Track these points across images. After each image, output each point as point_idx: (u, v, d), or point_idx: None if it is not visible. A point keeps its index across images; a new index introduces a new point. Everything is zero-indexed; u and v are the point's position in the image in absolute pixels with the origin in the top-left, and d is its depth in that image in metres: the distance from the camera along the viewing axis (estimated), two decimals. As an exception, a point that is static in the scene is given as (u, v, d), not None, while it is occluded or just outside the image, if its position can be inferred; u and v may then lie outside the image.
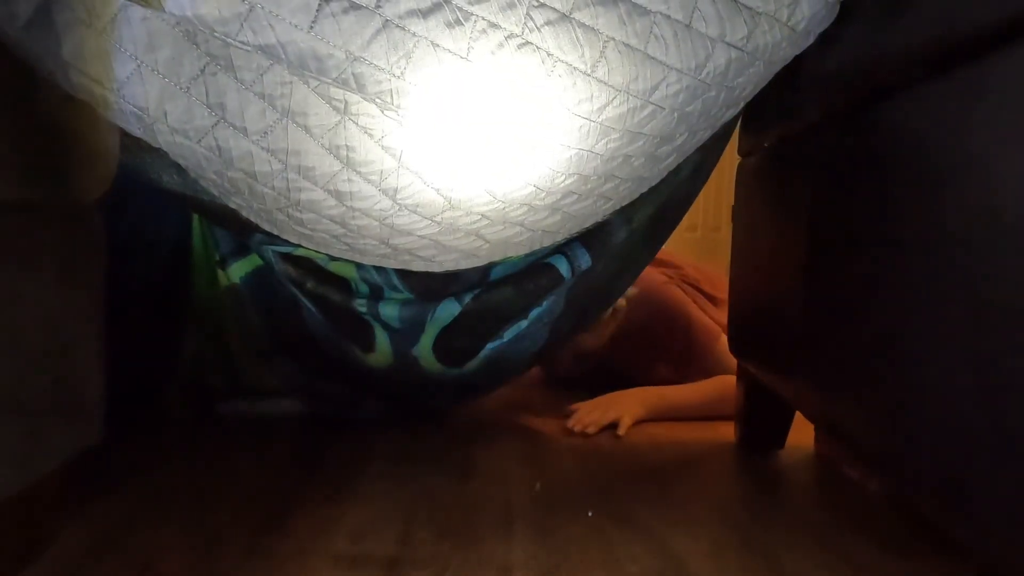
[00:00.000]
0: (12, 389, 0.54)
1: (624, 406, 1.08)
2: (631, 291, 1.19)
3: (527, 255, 0.87)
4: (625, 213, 0.83)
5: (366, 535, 0.66)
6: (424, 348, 0.94)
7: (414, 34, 0.51)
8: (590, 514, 0.75)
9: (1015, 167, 0.41)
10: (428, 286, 0.90)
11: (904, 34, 0.55)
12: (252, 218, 0.70)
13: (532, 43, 0.53)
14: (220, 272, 0.97)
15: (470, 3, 0.51)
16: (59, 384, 0.60)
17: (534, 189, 0.65)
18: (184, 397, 1.08)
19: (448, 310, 0.91)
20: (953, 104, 0.47)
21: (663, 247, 1.01)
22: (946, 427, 0.46)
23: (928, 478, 0.50)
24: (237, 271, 0.96)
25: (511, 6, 0.52)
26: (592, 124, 0.59)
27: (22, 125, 0.55)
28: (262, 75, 0.54)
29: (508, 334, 0.94)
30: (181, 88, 0.54)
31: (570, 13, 0.53)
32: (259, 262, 0.95)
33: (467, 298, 0.90)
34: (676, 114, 0.62)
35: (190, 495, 0.75)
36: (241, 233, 0.89)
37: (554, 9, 0.53)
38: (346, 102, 0.56)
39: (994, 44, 0.43)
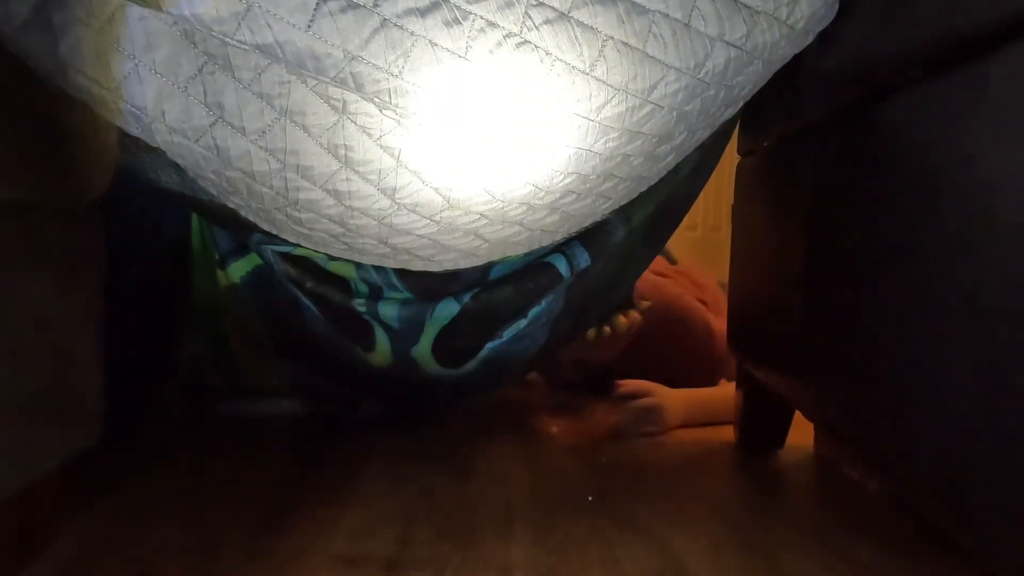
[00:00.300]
0: (10, 390, 0.54)
1: (669, 413, 1.04)
2: (645, 303, 1.18)
3: (526, 254, 0.87)
4: (624, 212, 0.83)
5: (365, 535, 0.66)
6: (423, 349, 0.94)
7: (412, 33, 0.51)
8: (591, 498, 0.75)
9: (1014, 167, 0.40)
10: (427, 286, 0.90)
11: (903, 33, 0.55)
12: (251, 217, 0.70)
13: (530, 42, 0.53)
14: (219, 272, 0.97)
15: (468, 2, 0.51)
16: (58, 385, 0.60)
17: (533, 188, 0.65)
18: (184, 397, 1.08)
19: (447, 310, 0.91)
20: (952, 104, 0.47)
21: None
22: (945, 427, 0.46)
23: (927, 478, 0.50)
24: (237, 271, 0.96)
25: (509, 5, 0.52)
26: (591, 123, 0.59)
27: (20, 125, 0.55)
28: (260, 74, 0.54)
29: (507, 334, 0.93)
30: (179, 87, 0.54)
31: (568, 12, 0.53)
32: (258, 261, 0.95)
33: (466, 297, 0.90)
34: (675, 113, 0.62)
35: (189, 495, 0.75)
36: (240, 233, 0.89)
37: (552, 8, 0.53)
38: (344, 101, 0.56)
39: (993, 44, 0.43)
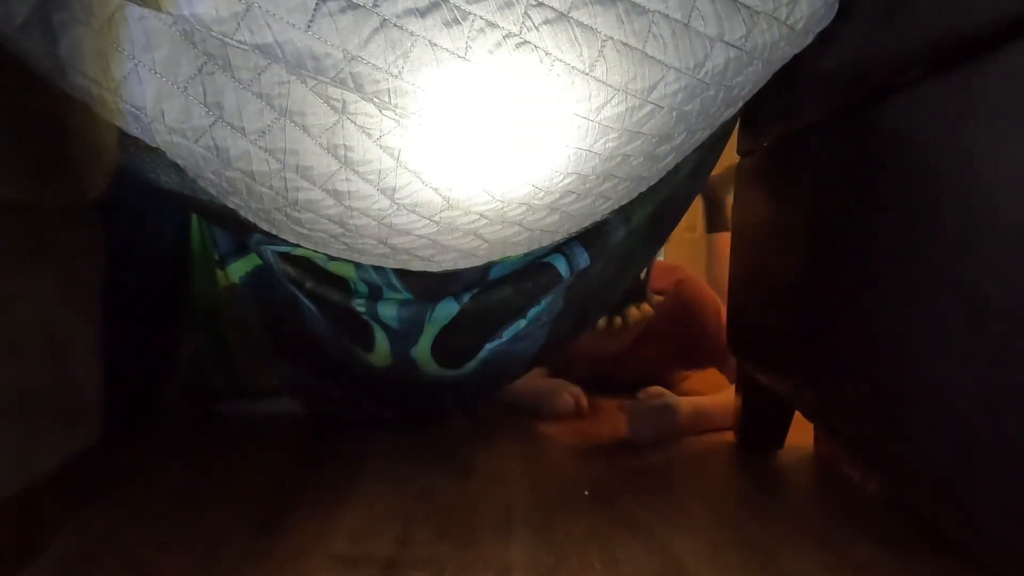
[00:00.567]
0: (10, 390, 0.54)
1: (682, 415, 1.02)
2: (657, 298, 1.18)
3: (526, 255, 0.87)
4: (624, 212, 0.83)
5: (365, 536, 0.66)
6: (423, 349, 0.94)
7: (412, 33, 0.51)
8: (586, 493, 0.75)
9: (1013, 167, 0.40)
10: (427, 286, 0.90)
11: (902, 34, 0.55)
12: (250, 218, 0.70)
13: (530, 42, 0.53)
14: (219, 272, 0.97)
15: (468, 2, 0.51)
16: (57, 385, 0.60)
17: (532, 188, 0.65)
18: (184, 397, 1.08)
19: (447, 310, 0.91)
20: (952, 104, 0.47)
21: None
22: (945, 426, 0.46)
23: (927, 478, 0.50)
24: (236, 271, 0.96)
25: (509, 5, 0.52)
26: (590, 123, 0.59)
27: (20, 126, 0.56)
28: (259, 74, 0.54)
29: (507, 334, 0.93)
30: (178, 87, 0.54)
31: (568, 12, 0.53)
32: (258, 262, 0.95)
33: (466, 298, 0.90)
34: (675, 113, 0.62)
35: (189, 496, 0.75)
36: (240, 233, 0.89)
37: (552, 8, 0.53)
38: (344, 101, 0.56)
39: (992, 44, 0.43)
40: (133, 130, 0.58)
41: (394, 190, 0.62)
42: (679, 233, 1.07)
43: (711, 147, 0.83)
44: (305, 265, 0.90)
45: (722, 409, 1.08)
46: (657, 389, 1.04)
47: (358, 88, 0.53)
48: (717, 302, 1.23)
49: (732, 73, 0.61)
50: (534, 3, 0.52)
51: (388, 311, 0.91)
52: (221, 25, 0.50)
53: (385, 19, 0.50)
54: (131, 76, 0.54)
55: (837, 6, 0.62)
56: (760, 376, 0.90)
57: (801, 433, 0.98)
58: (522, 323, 0.93)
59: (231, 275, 0.96)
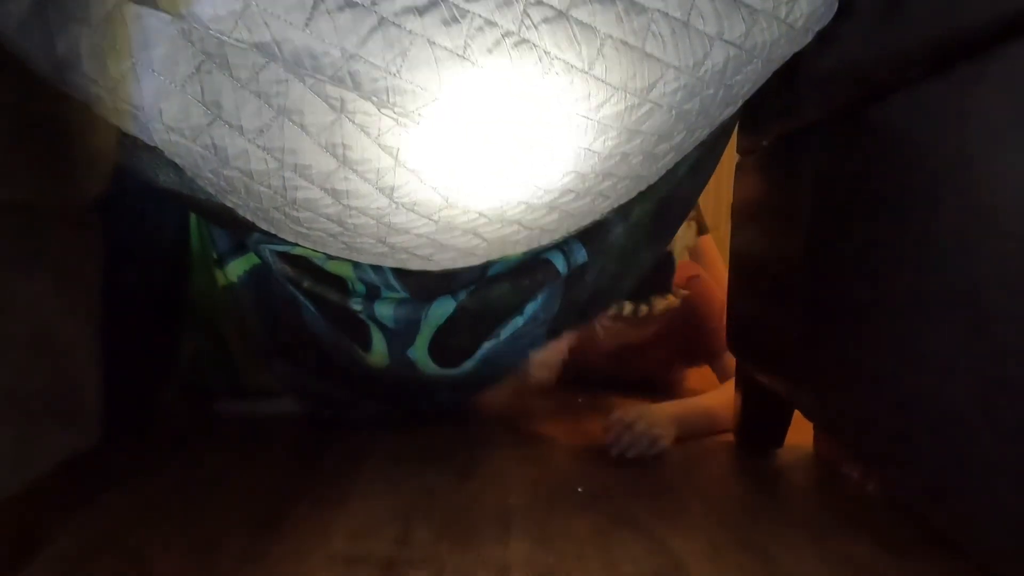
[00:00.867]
0: (9, 390, 0.54)
1: (662, 425, 0.98)
2: (683, 292, 1.18)
3: (525, 253, 0.87)
4: (622, 209, 0.83)
5: (364, 535, 0.66)
6: (420, 349, 0.93)
7: (410, 32, 0.51)
8: (580, 490, 0.75)
9: (1012, 166, 0.40)
10: (425, 286, 0.90)
11: (902, 33, 0.54)
12: (249, 217, 0.70)
13: (529, 40, 0.53)
14: (218, 271, 0.97)
15: (467, 0, 0.51)
16: (55, 385, 0.60)
17: (532, 188, 0.65)
18: (183, 397, 1.07)
19: (443, 307, 0.91)
20: (951, 103, 0.47)
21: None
22: (944, 426, 0.46)
23: (926, 478, 0.50)
24: (234, 270, 0.95)
25: (508, 3, 0.52)
26: (590, 122, 0.59)
27: (17, 125, 0.55)
28: (258, 73, 0.54)
29: (504, 333, 0.93)
30: (176, 86, 0.54)
31: (567, 11, 0.53)
32: (256, 261, 0.95)
33: (463, 295, 0.90)
34: (674, 112, 0.62)
35: (188, 496, 0.75)
36: (239, 232, 0.89)
37: (551, 7, 0.53)
38: (343, 100, 0.56)
39: (991, 43, 0.43)
40: (131, 129, 0.58)
41: (392, 189, 0.62)
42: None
43: (711, 145, 0.83)
44: (303, 264, 0.90)
45: (712, 413, 1.07)
46: (638, 412, 0.99)
47: (356, 86, 0.53)
48: (721, 301, 1.23)
49: (731, 72, 0.61)
50: (533, 1, 0.52)
51: (384, 310, 0.91)
52: (219, 23, 0.50)
53: (383, 17, 0.50)
54: (129, 75, 0.54)
55: (837, 5, 0.62)
56: (759, 376, 0.90)
57: (800, 432, 0.98)
58: (520, 321, 0.93)
59: (229, 274, 0.96)
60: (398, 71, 0.52)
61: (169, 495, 0.75)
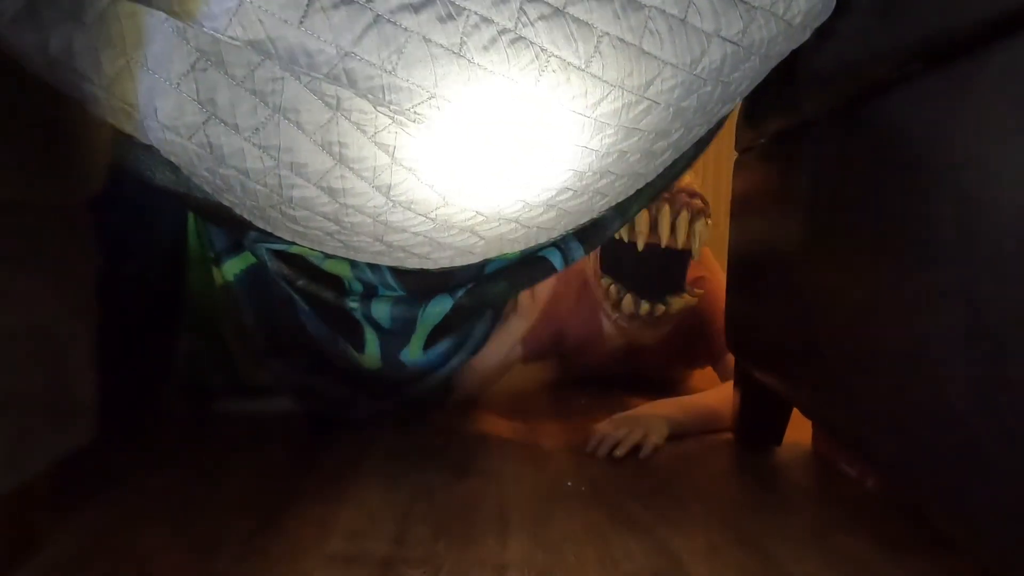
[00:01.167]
0: (3, 388, 0.54)
1: (651, 425, 0.97)
2: (698, 291, 1.18)
3: (522, 251, 0.87)
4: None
5: (361, 534, 0.66)
6: (414, 351, 0.94)
7: (406, 29, 0.50)
8: (579, 488, 0.74)
9: (1010, 162, 0.40)
10: (423, 285, 0.90)
11: (900, 29, 0.54)
12: (245, 215, 0.70)
13: (525, 38, 0.53)
14: (215, 270, 0.97)
15: (463, -3, 0.51)
16: (51, 384, 0.60)
17: (529, 185, 0.65)
18: (181, 396, 1.07)
19: (440, 306, 0.90)
20: (950, 99, 0.47)
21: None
22: (943, 424, 0.46)
23: (925, 475, 0.50)
24: (230, 269, 0.95)
25: (504, 1, 0.51)
26: (587, 120, 0.59)
27: (11, 124, 0.55)
28: (253, 71, 0.53)
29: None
30: (171, 84, 0.54)
31: (564, 8, 0.53)
32: (252, 260, 0.94)
33: (460, 293, 0.90)
34: (671, 109, 0.61)
35: (185, 495, 0.75)
36: (235, 230, 0.89)
37: (548, 4, 0.53)
38: (338, 98, 0.55)
39: (989, 39, 0.43)
40: (126, 127, 0.58)
41: (389, 187, 0.61)
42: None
43: (708, 142, 0.83)
44: (300, 263, 0.90)
45: (710, 412, 1.07)
46: (627, 425, 0.97)
47: (352, 84, 0.53)
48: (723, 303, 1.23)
49: (729, 69, 0.61)
50: (529, -2, 0.52)
51: (381, 310, 0.90)
52: (213, 21, 0.49)
53: (379, 15, 0.50)
54: (123, 73, 0.54)
55: (835, 2, 0.62)
56: (758, 373, 0.90)
57: (799, 430, 0.98)
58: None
59: (226, 273, 0.96)
60: (393, 69, 0.52)
61: (167, 494, 0.75)
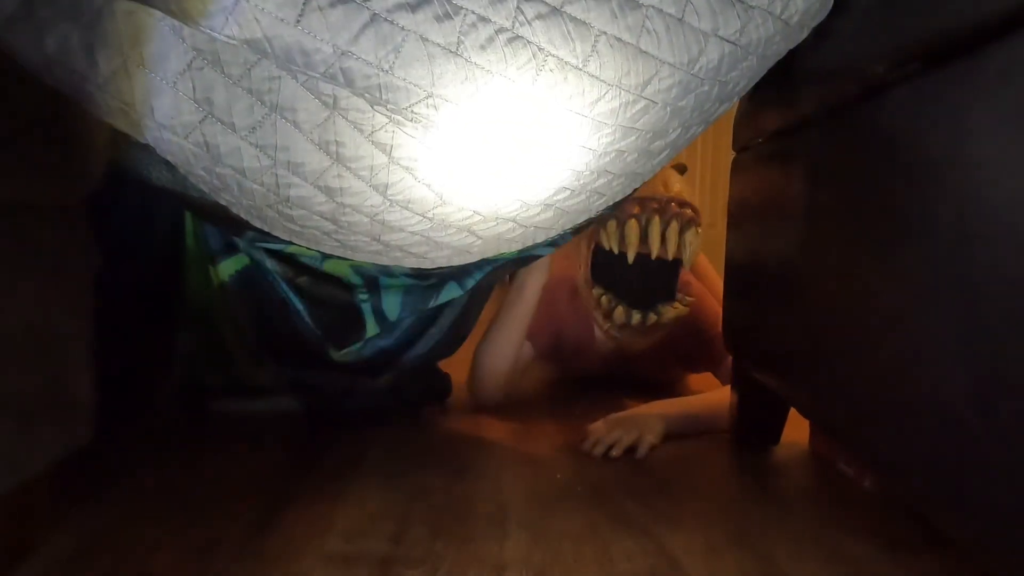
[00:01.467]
0: (2, 388, 0.54)
1: (646, 425, 0.98)
2: (689, 299, 1.18)
3: (520, 251, 0.87)
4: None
5: (359, 534, 0.66)
6: (420, 350, 0.95)
7: (402, 28, 0.50)
8: (558, 476, 0.74)
9: (1009, 161, 0.40)
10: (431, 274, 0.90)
11: (898, 28, 0.54)
12: (242, 215, 0.70)
13: (523, 37, 0.53)
14: (212, 269, 0.97)
15: (460, -4, 0.51)
16: (48, 384, 0.60)
17: (527, 185, 0.65)
18: (178, 396, 1.07)
19: (451, 294, 0.91)
20: (948, 99, 0.47)
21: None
22: (941, 424, 0.46)
23: (924, 475, 0.50)
24: (226, 269, 0.95)
25: (501, 0, 0.51)
26: (584, 119, 0.59)
27: (6, 122, 0.55)
28: (249, 70, 0.53)
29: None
30: (167, 83, 0.54)
31: (561, 7, 0.53)
32: (246, 261, 0.94)
33: (469, 282, 0.91)
34: (669, 109, 0.61)
35: (183, 494, 0.75)
36: (232, 230, 0.89)
37: (545, 3, 0.53)
38: (335, 97, 0.55)
39: (987, 38, 0.43)
40: (122, 126, 0.58)
41: (386, 186, 0.61)
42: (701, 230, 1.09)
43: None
44: (296, 263, 0.90)
45: (708, 412, 1.07)
46: (622, 425, 0.97)
47: (349, 83, 0.52)
48: (716, 309, 1.23)
49: (727, 68, 0.61)
50: (527, -3, 0.52)
51: (390, 303, 0.91)
52: (209, 20, 0.49)
53: (376, 14, 0.50)
54: (120, 72, 0.54)
55: (832, 1, 0.62)
56: (756, 373, 0.90)
57: (797, 430, 0.98)
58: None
59: (221, 273, 0.96)
60: (390, 68, 0.51)
61: (165, 494, 0.75)
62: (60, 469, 0.61)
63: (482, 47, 0.52)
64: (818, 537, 0.68)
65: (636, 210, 1.08)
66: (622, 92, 0.57)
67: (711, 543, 0.66)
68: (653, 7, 0.55)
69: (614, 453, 0.92)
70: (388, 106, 0.54)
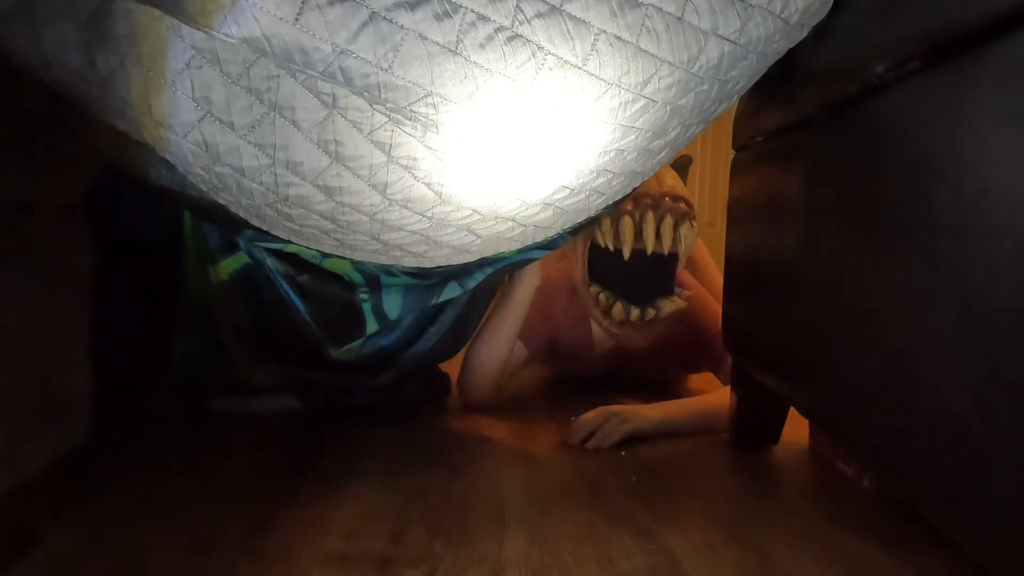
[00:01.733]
0: (0, 388, 0.54)
1: (632, 416, 0.99)
2: (687, 293, 1.18)
3: (520, 250, 0.87)
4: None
5: (358, 533, 0.66)
6: (422, 347, 0.94)
7: (402, 26, 0.50)
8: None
9: (1007, 159, 0.40)
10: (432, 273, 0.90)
11: (898, 27, 0.54)
12: (241, 214, 0.69)
13: (522, 36, 0.53)
14: (211, 268, 0.97)
15: (459, -5, 0.51)
16: (46, 383, 0.60)
17: (526, 184, 0.65)
18: (177, 395, 1.07)
19: (451, 292, 0.91)
20: (948, 97, 0.47)
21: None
22: (941, 423, 0.46)
23: (923, 474, 0.50)
24: (225, 268, 0.95)
25: (500, -2, 0.51)
26: (583, 118, 0.59)
27: (4, 122, 0.55)
28: (248, 68, 0.53)
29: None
30: (165, 81, 0.54)
31: (561, 5, 0.53)
32: (246, 260, 0.94)
33: (471, 283, 0.90)
34: (668, 107, 0.61)
35: (181, 494, 0.75)
36: (231, 229, 0.89)
37: (544, 1, 0.53)
38: (334, 96, 0.55)
39: (986, 37, 0.42)
40: (120, 125, 0.58)
41: (385, 185, 0.61)
42: (700, 228, 1.08)
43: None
44: (296, 262, 0.90)
45: (707, 411, 1.06)
46: (618, 408, 0.99)
47: (348, 82, 0.52)
48: (716, 309, 1.23)
49: (726, 67, 0.61)
50: (526, -4, 0.52)
51: (391, 302, 0.91)
52: (207, 18, 0.49)
53: (374, 12, 0.49)
54: (117, 70, 0.53)
55: (832, 0, 0.62)
56: (755, 373, 0.90)
57: (796, 429, 0.98)
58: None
59: (221, 272, 0.95)
60: (389, 67, 0.51)
61: (163, 493, 0.75)
62: (58, 468, 0.61)
63: (481, 46, 0.52)
64: (817, 535, 0.68)
65: (630, 206, 1.08)
66: (622, 91, 0.57)
67: (710, 541, 0.66)
68: (653, 6, 0.55)
69: (591, 445, 0.93)
70: (387, 105, 0.54)
